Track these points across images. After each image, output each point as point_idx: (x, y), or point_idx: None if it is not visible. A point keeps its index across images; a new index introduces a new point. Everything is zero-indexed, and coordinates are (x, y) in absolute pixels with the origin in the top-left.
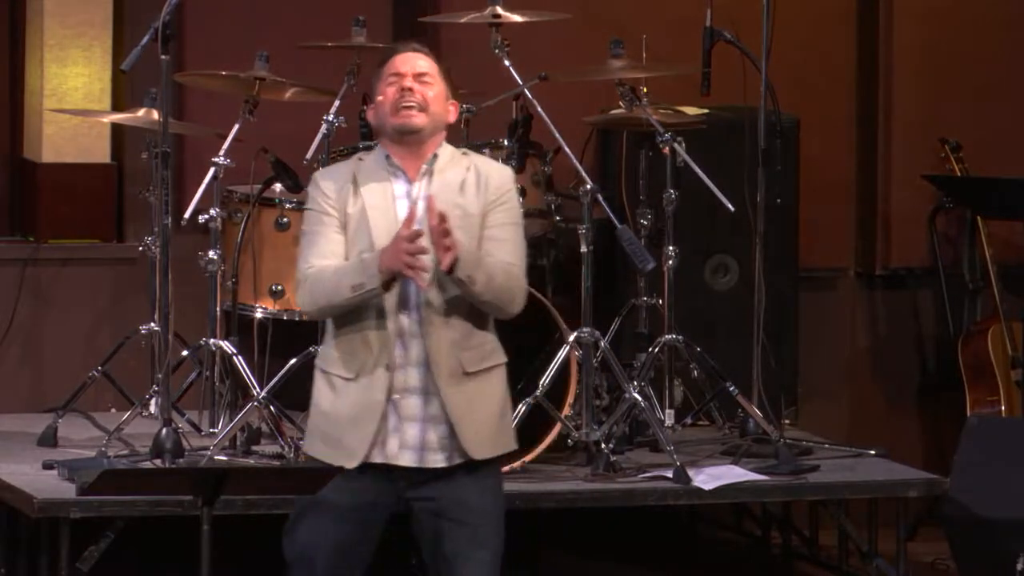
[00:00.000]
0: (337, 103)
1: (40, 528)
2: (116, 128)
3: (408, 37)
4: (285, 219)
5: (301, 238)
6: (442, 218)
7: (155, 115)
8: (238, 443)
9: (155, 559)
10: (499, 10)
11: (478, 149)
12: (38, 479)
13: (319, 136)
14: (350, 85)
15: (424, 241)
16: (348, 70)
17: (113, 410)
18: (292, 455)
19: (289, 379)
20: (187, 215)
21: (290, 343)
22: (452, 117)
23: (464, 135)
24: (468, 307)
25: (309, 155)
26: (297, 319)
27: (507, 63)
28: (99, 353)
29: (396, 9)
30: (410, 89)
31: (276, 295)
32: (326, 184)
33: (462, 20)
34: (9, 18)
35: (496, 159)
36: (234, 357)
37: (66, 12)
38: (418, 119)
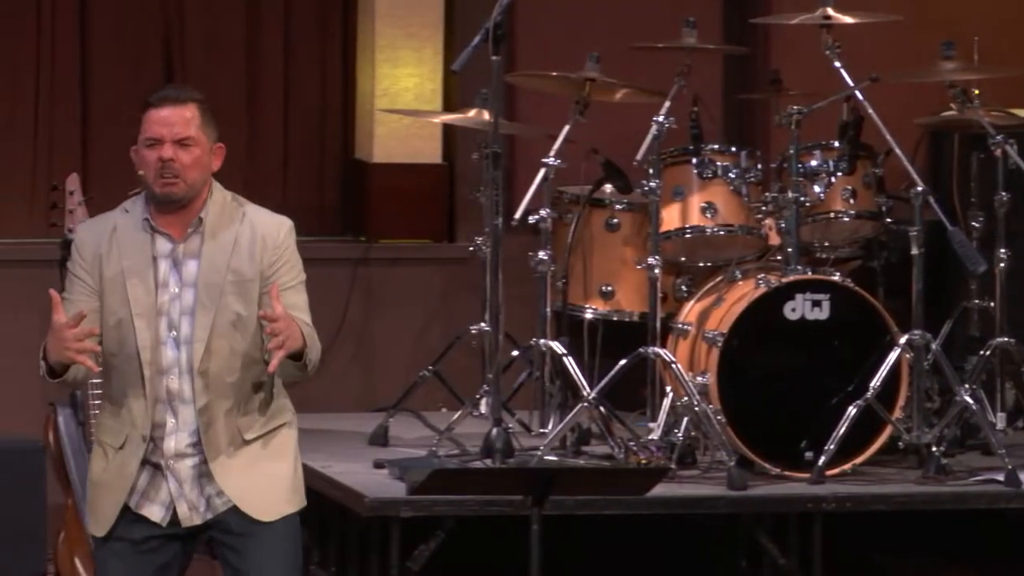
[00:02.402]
0: (667, 104)
1: (371, 527)
2: (447, 128)
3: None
4: (615, 220)
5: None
6: (273, 317)
7: (486, 116)
8: (568, 443)
9: (485, 559)
10: (830, 11)
11: (808, 151)
12: (369, 478)
13: (649, 137)
14: (680, 86)
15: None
16: (678, 71)
17: (444, 409)
18: (622, 456)
19: (619, 380)
20: (517, 216)
21: (620, 344)
22: (217, 164)
23: (794, 136)
24: (244, 371)
25: (639, 156)
26: (627, 320)
27: (837, 64)
28: (430, 352)
29: (726, 10)
30: (170, 160)
31: (606, 296)
32: (83, 245)
33: (793, 21)
34: (342, 19)
35: (827, 160)
36: (564, 358)
37: (398, 13)
38: (178, 189)
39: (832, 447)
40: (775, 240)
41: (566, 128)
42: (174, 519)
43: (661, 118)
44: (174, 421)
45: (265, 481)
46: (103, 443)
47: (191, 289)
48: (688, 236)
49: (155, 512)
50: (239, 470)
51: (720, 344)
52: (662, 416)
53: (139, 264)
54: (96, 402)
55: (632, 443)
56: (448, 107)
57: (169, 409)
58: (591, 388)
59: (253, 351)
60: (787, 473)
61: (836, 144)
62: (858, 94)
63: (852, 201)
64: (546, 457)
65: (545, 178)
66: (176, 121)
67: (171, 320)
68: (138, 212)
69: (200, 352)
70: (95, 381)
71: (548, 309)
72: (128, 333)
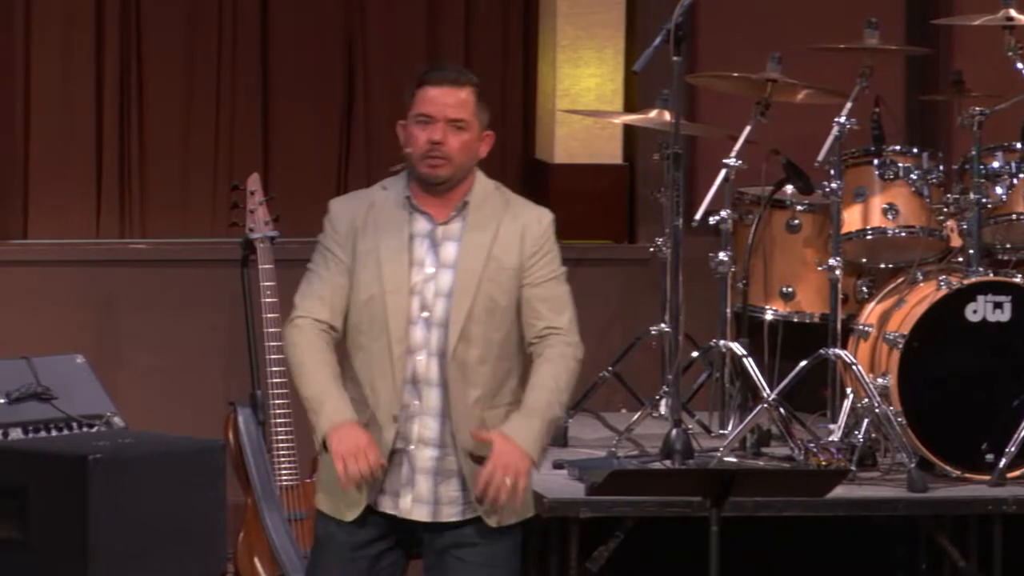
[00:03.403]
0: (848, 105)
1: (550, 527)
2: (628, 129)
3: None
4: (796, 221)
5: (307, 270)
6: (493, 484)
7: (667, 116)
8: (748, 445)
9: (664, 560)
10: (1013, 12)
11: (989, 153)
12: (548, 479)
13: (830, 138)
14: (862, 87)
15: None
16: (860, 72)
17: (623, 410)
18: (802, 458)
19: (800, 381)
20: (698, 216)
21: (800, 345)
22: (484, 151)
23: (976, 137)
24: (496, 361)
25: (821, 157)
26: (807, 321)
27: (1020, 66)
28: (610, 353)
29: (909, 11)
30: (439, 143)
31: (786, 297)
32: (337, 219)
33: (975, 23)
34: (523, 19)
35: (1008, 162)
36: (744, 359)
37: (579, 13)
38: (444, 170)
39: (1013, 449)
40: (956, 242)
41: (747, 129)
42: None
43: (842, 119)
44: (418, 403)
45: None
46: None
47: (449, 271)
48: (869, 237)
49: (388, 503)
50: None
51: (901, 346)
52: (842, 418)
53: (395, 241)
54: (278, 402)
55: (812, 444)
56: (629, 108)
57: (415, 390)
58: (771, 389)
59: (507, 343)
60: (967, 475)
61: (1018, 146)
62: None
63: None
64: (725, 458)
65: (726, 179)
66: (451, 102)
67: (424, 300)
68: (398, 190)
69: (455, 336)
70: (277, 380)
71: (728, 310)
72: (379, 310)
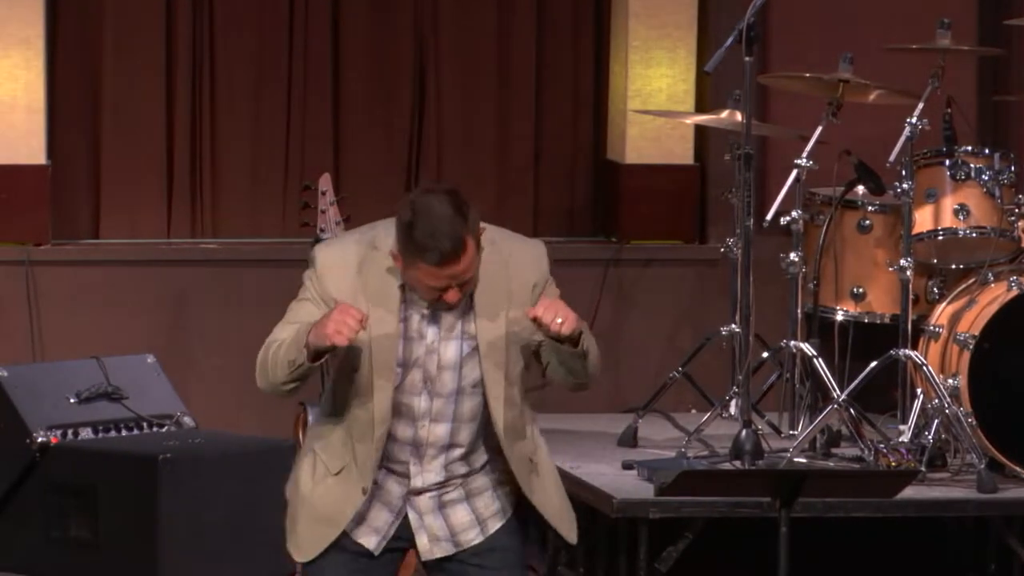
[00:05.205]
0: (920, 106)
1: (619, 528)
2: (699, 129)
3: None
4: (867, 221)
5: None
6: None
7: (738, 117)
8: (818, 445)
9: (733, 561)
10: None
11: None
12: (618, 479)
13: (902, 139)
14: (934, 88)
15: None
16: (932, 73)
17: (693, 411)
18: (872, 458)
19: (870, 382)
20: (769, 217)
21: (871, 346)
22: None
23: None
24: (524, 402)
25: (892, 158)
26: (878, 322)
27: None
28: (679, 353)
29: (981, 11)
30: (455, 303)
31: (857, 298)
32: (327, 274)
33: None
34: (595, 19)
35: None
36: (814, 359)
37: (651, 13)
38: (460, 300)
39: None
40: None
41: (819, 129)
42: (388, 547)
43: (914, 119)
44: (418, 465)
45: (560, 499)
46: (318, 455)
47: (454, 342)
48: (940, 238)
49: (370, 540)
50: (540, 492)
51: (971, 347)
52: (912, 418)
53: (386, 314)
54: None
55: (882, 445)
56: (700, 108)
57: (416, 453)
58: (841, 390)
59: (525, 379)
60: None
61: None
62: None
63: None
64: (795, 459)
65: (797, 179)
66: (460, 272)
67: (427, 372)
68: (390, 267)
69: (500, 408)
70: None
71: (799, 311)
72: (365, 385)
